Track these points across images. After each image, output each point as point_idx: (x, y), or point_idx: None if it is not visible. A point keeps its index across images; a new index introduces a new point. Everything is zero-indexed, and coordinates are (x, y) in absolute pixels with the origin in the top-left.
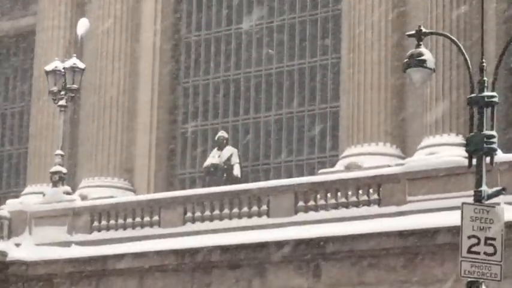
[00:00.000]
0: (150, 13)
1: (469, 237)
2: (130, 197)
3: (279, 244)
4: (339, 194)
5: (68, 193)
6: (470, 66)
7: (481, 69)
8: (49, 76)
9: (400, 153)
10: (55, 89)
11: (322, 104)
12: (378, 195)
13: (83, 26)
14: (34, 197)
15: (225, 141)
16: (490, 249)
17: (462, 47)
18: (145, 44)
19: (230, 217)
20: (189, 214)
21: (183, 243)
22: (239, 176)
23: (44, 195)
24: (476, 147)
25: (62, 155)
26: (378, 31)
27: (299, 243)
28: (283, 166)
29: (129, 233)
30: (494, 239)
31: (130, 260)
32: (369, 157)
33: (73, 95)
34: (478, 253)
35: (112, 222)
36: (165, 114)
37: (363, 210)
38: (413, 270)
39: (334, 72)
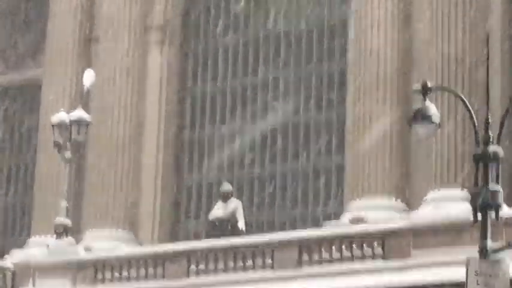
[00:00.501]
0: (156, 65)
1: None
2: (134, 249)
3: None
4: (343, 247)
5: (72, 245)
6: (475, 121)
7: (486, 124)
8: (55, 128)
9: (405, 206)
10: (60, 141)
11: (327, 157)
12: (383, 249)
13: (89, 77)
14: (38, 248)
15: (229, 193)
16: None
17: (467, 102)
18: (151, 96)
19: (235, 270)
20: (193, 267)
21: None
22: (243, 228)
23: (48, 246)
24: (481, 202)
25: (66, 207)
26: (384, 85)
27: None
28: (288, 219)
29: (134, 285)
30: None
31: None
32: (373, 210)
33: (78, 147)
34: None
35: (116, 274)
36: (170, 166)
37: (368, 264)
38: None
39: (339, 125)
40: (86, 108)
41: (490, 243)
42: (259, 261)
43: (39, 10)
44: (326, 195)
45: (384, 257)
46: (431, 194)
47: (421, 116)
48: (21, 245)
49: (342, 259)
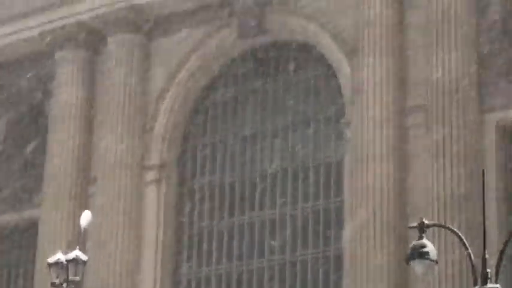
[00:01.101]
0: (153, 204)
1: None
2: None
3: None
4: None
5: None
6: (472, 258)
7: (484, 260)
8: (51, 268)
9: None
10: (57, 281)
11: None
12: None
13: (86, 218)
14: None
15: None
16: None
17: (464, 239)
18: (147, 234)
19: None
20: None
21: None
22: None
23: None
24: None
25: None
26: (380, 221)
27: None
28: None
29: None
30: None
31: None
32: None
33: (74, 287)
34: None
35: None
36: None
37: None
38: None
39: (336, 262)
40: (83, 248)
41: None
42: None
43: (37, 151)
44: None
45: None
46: None
47: (418, 253)
48: None
49: None
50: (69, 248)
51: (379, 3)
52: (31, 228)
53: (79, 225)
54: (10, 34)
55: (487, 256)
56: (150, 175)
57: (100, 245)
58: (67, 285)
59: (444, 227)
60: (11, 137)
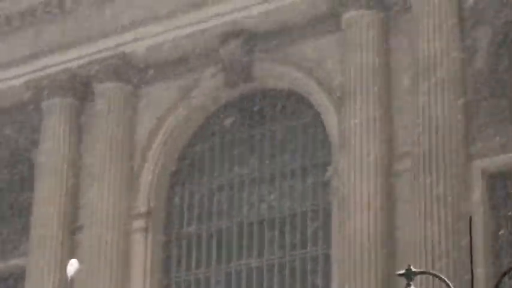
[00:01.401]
0: (140, 253)
1: None
2: None
3: None
4: None
5: None
6: None
7: None
8: None
9: None
10: None
11: None
12: None
13: (72, 267)
14: None
15: None
16: None
17: (452, 286)
18: (135, 282)
19: None
20: None
21: None
22: None
23: None
24: None
25: None
26: (368, 268)
27: None
28: None
29: None
30: None
31: None
32: None
33: None
34: None
35: None
36: None
37: None
38: None
39: None
40: None
41: None
42: None
43: (24, 199)
44: None
45: None
46: None
47: None
48: None
49: None
50: None
51: (365, 50)
52: (18, 277)
53: (66, 274)
54: None
55: None
56: (137, 223)
57: None
58: None
59: (432, 274)
60: None
